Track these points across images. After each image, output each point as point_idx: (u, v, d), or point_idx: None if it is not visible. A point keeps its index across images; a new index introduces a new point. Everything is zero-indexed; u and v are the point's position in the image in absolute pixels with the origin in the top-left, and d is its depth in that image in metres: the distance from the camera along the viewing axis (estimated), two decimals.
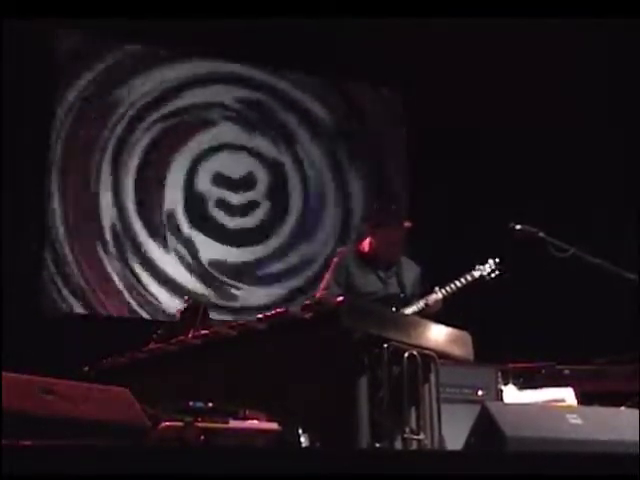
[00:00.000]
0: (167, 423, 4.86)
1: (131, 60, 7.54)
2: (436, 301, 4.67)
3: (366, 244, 4.84)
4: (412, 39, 7.39)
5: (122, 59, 7.50)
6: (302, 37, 7.32)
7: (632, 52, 7.04)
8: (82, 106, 7.30)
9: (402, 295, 4.69)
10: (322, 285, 4.75)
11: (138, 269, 7.25)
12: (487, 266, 4.92)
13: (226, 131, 7.80)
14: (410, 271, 4.82)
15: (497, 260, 4.95)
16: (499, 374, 4.97)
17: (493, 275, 4.92)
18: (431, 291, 4.75)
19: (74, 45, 7.32)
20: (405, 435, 3.55)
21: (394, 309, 4.60)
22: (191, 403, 4.87)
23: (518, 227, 4.68)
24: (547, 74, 7.48)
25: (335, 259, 4.80)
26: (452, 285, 4.77)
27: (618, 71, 7.29)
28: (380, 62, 7.82)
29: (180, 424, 4.85)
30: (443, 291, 4.72)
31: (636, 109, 7.04)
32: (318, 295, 4.68)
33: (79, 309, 7.02)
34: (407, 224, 4.82)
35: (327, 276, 4.77)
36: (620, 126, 7.29)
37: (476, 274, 4.88)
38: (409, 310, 4.63)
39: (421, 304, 4.66)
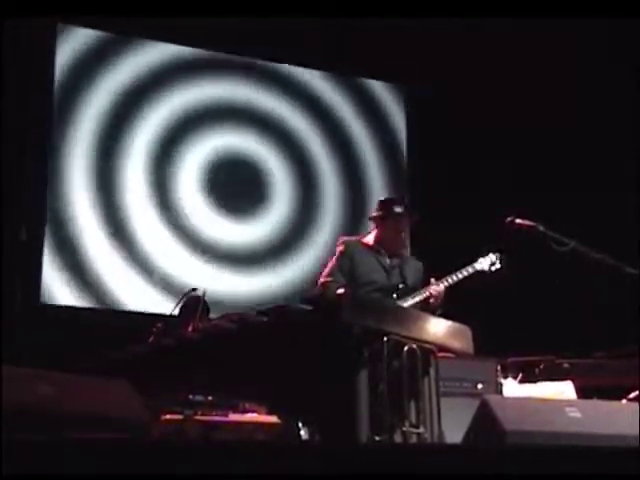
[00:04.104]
0: (167, 416, 4.87)
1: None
2: (439, 292, 4.64)
3: (371, 237, 4.85)
4: (415, 36, 7.41)
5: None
6: (308, 33, 7.34)
7: (632, 48, 7.05)
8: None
9: (404, 285, 4.68)
10: (326, 271, 4.73)
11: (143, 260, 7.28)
12: (487, 260, 4.91)
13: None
14: (412, 267, 4.81)
15: (497, 254, 4.95)
16: (499, 368, 4.97)
17: (493, 269, 4.91)
18: (430, 283, 4.73)
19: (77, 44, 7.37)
20: (405, 429, 3.56)
21: (395, 296, 4.59)
22: (191, 396, 4.88)
23: (518, 221, 4.68)
24: (546, 71, 7.49)
25: (340, 247, 4.79)
26: (453, 276, 4.76)
27: (619, 66, 7.29)
28: (382, 59, 7.83)
29: (180, 417, 4.86)
30: (445, 282, 4.70)
31: (637, 103, 7.05)
32: (322, 280, 4.68)
33: (79, 302, 7.01)
34: (416, 216, 4.82)
35: (331, 263, 4.75)
36: (620, 122, 7.29)
37: (477, 266, 4.87)
38: (412, 300, 4.61)
39: (424, 294, 4.64)
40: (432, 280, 4.70)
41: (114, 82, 7.45)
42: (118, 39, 7.52)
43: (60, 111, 7.22)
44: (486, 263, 4.90)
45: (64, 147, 7.18)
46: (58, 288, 6.95)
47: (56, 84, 7.22)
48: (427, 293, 4.64)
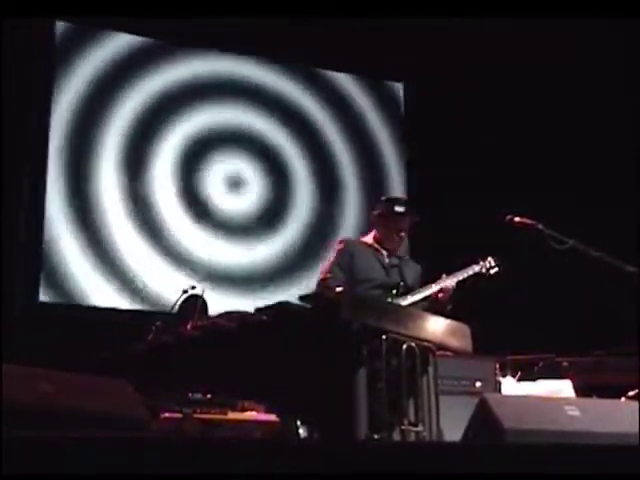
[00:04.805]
0: (166, 415, 4.88)
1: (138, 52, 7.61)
2: (451, 285, 4.63)
3: (370, 236, 4.85)
4: (415, 35, 7.42)
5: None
6: (306, 32, 7.35)
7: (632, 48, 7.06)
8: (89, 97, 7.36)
9: (403, 284, 4.68)
10: (325, 268, 4.73)
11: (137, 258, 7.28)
12: (486, 263, 4.90)
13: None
14: (411, 269, 4.81)
15: (496, 257, 4.94)
16: (497, 366, 4.97)
17: (492, 272, 4.90)
18: (439, 278, 4.72)
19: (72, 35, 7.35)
20: (403, 427, 3.56)
21: (395, 294, 4.59)
22: (190, 395, 4.88)
23: (517, 219, 4.68)
24: (546, 71, 7.49)
25: (339, 245, 4.79)
26: (458, 275, 4.75)
27: (619, 66, 7.30)
28: (381, 56, 7.84)
29: (179, 416, 4.87)
30: (456, 278, 4.69)
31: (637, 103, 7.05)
32: (321, 277, 4.68)
33: (77, 300, 7.02)
34: (415, 216, 4.82)
35: (330, 260, 4.76)
36: (620, 122, 7.30)
37: (476, 268, 4.86)
38: (417, 296, 4.59)
39: (433, 289, 4.62)
40: (443, 276, 4.70)
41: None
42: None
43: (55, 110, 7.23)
44: (485, 267, 4.89)
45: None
46: (57, 287, 6.95)
47: (55, 83, 7.23)
48: (438, 287, 4.63)
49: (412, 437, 3.58)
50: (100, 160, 7.31)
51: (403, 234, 4.79)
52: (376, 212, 4.87)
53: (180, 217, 7.50)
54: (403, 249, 4.92)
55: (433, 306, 4.50)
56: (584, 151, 7.36)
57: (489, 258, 4.91)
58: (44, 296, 6.88)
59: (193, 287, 5.62)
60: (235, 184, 7.77)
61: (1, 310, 6.08)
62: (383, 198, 5.02)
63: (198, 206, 7.56)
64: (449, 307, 4.57)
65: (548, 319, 6.97)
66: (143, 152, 7.48)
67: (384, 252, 4.76)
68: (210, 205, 7.62)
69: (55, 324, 6.59)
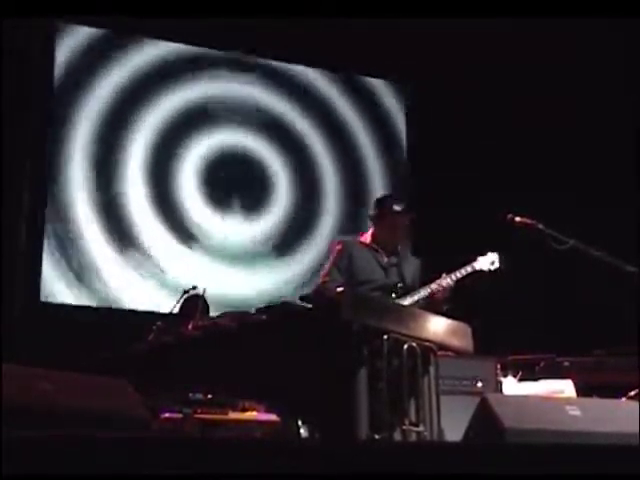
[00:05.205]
0: (167, 415, 4.88)
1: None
2: (449, 285, 4.63)
3: (368, 235, 4.85)
4: (415, 35, 7.42)
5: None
6: (306, 31, 7.35)
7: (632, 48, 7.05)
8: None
9: (401, 285, 4.68)
10: (324, 271, 4.73)
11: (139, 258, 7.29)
12: (487, 259, 4.90)
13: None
14: (410, 265, 4.81)
15: (497, 253, 4.94)
16: (498, 366, 4.97)
17: (492, 268, 4.90)
18: (438, 277, 4.72)
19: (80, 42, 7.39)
20: (404, 427, 3.56)
21: (394, 296, 4.59)
22: (190, 395, 4.88)
23: (517, 219, 4.68)
24: (546, 71, 7.49)
25: (337, 247, 4.79)
26: (457, 273, 4.75)
27: (619, 66, 7.29)
28: (382, 55, 7.84)
29: (179, 416, 4.87)
30: (453, 277, 4.70)
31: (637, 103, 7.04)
32: (320, 280, 4.68)
33: (78, 300, 7.01)
34: (412, 214, 4.82)
35: (329, 263, 4.75)
36: (621, 119, 7.29)
37: (477, 266, 4.86)
38: (416, 297, 4.60)
39: (429, 289, 4.63)
40: (443, 275, 4.70)
41: (112, 80, 7.47)
42: (117, 37, 7.54)
43: (60, 110, 7.23)
44: (486, 262, 4.89)
45: (63, 146, 7.19)
46: (57, 286, 6.95)
47: (55, 83, 7.24)
48: (436, 286, 4.63)
49: (413, 437, 3.58)
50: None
51: (400, 232, 4.79)
52: (374, 212, 4.86)
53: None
54: (404, 246, 4.93)
55: (430, 306, 4.50)
56: (584, 151, 7.36)
57: (489, 254, 4.91)
58: (44, 296, 6.87)
59: (194, 287, 5.62)
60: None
61: (1, 310, 6.08)
62: (380, 197, 5.01)
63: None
64: (445, 307, 4.57)
65: (548, 319, 6.97)
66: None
67: (382, 252, 4.76)
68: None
69: (55, 324, 6.59)
